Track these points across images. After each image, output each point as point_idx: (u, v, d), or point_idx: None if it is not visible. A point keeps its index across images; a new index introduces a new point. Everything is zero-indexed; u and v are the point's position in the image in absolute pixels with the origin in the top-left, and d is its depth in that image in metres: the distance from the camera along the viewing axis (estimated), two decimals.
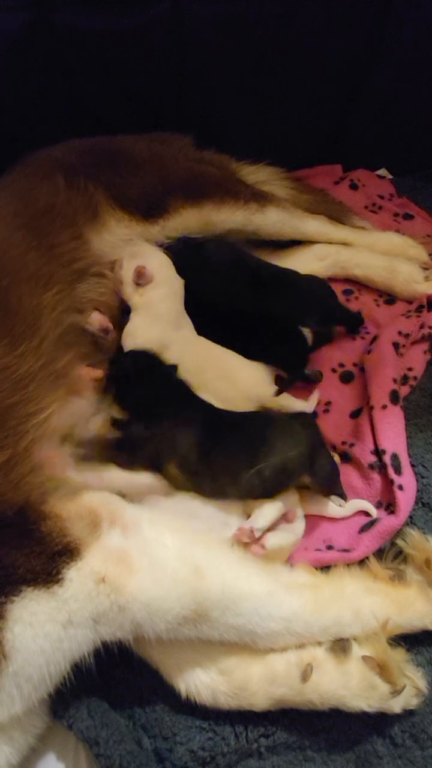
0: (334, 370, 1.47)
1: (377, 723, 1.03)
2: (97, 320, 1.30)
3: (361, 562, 1.12)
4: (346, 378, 1.46)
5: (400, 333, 1.45)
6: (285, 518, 1.17)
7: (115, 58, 1.59)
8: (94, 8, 1.50)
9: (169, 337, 1.32)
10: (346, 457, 1.31)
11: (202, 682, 1.00)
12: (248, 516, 1.13)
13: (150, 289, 1.35)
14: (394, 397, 1.32)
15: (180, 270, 1.40)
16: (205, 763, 0.99)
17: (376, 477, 1.24)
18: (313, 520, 1.21)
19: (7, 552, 0.90)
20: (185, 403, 1.21)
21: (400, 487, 1.19)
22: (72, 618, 0.88)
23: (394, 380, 1.35)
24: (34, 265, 1.22)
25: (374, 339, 1.47)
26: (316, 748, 1.03)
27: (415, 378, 1.44)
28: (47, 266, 1.24)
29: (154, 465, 1.15)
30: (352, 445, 1.31)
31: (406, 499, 1.18)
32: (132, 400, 1.23)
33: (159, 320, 1.33)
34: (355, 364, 1.47)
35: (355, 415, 1.39)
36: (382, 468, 1.24)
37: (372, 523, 1.16)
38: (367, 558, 1.12)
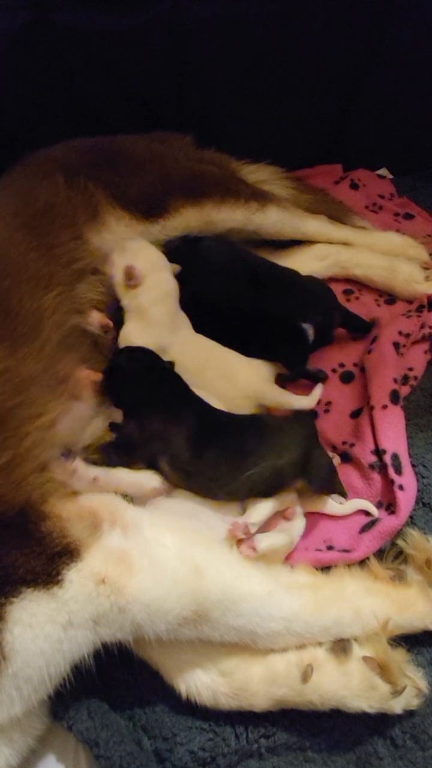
0: (334, 370, 1.47)
1: (378, 724, 1.03)
2: (96, 319, 1.29)
3: (362, 563, 1.12)
4: (346, 378, 1.46)
5: (400, 333, 1.44)
6: (284, 516, 1.16)
7: (115, 58, 1.59)
8: (94, 8, 1.50)
9: (167, 341, 1.31)
10: (346, 457, 1.31)
11: (203, 682, 1.00)
12: None
13: (141, 292, 1.32)
14: (395, 397, 1.32)
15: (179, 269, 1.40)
16: (206, 764, 0.99)
17: (376, 477, 1.24)
18: (313, 520, 1.20)
19: (7, 552, 0.90)
20: (181, 400, 1.20)
21: (401, 487, 1.19)
22: (72, 619, 0.88)
23: (395, 380, 1.35)
24: (34, 265, 1.22)
25: (374, 339, 1.46)
26: (316, 748, 1.03)
27: (415, 378, 1.44)
28: (47, 267, 1.23)
29: (151, 464, 1.14)
30: (352, 445, 1.31)
31: (406, 499, 1.17)
32: (128, 398, 1.22)
33: (153, 326, 1.31)
34: (355, 364, 1.47)
35: (355, 415, 1.39)
36: (382, 468, 1.24)
37: (372, 523, 1.16)
38: (368, 558, 1.12)
